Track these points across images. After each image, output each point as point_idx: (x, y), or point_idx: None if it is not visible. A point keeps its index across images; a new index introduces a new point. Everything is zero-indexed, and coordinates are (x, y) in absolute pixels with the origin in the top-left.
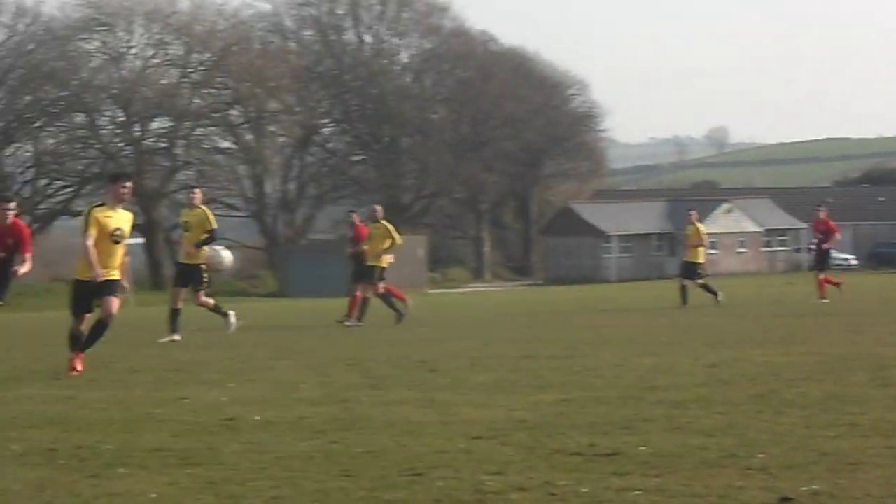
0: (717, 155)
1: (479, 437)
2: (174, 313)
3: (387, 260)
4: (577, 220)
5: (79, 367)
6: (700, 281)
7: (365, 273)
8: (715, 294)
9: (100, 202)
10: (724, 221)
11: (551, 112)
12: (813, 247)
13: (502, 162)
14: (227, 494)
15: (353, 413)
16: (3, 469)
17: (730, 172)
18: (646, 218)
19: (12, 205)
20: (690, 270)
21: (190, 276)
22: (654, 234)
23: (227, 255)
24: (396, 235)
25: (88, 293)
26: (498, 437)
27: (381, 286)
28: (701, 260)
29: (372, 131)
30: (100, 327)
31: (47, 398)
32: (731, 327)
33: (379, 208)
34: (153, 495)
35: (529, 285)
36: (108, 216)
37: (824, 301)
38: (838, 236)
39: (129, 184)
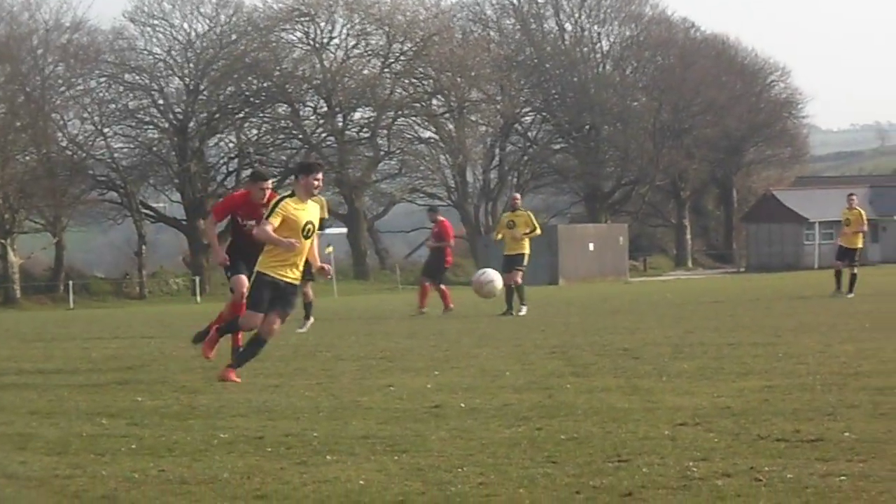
0: None
1: (684, 423)
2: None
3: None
4: (778, 206)
5: (233, 377)
6: (855, 270)
7: (514, 260)
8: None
9: (291, 192)
10: None
11: (752, 99)
12: None
13: (703, 149)
14: (435, 481)
15: (558, 400)
16: (212, 457)
17: None
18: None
19: (268, 183)
20: (851, 256)
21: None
22: None
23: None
24: (538, 225)
25: (273, 291)
26: (702, 424)
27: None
28: (860, 245)
29: (572, 120)
30: (256, 345)
31: (254, 387)
32: None
33: (518, 196)
34: (361, 482)
35: (731, 273)
36: (298, 209)
37: None
38: None
39: (321, 175)
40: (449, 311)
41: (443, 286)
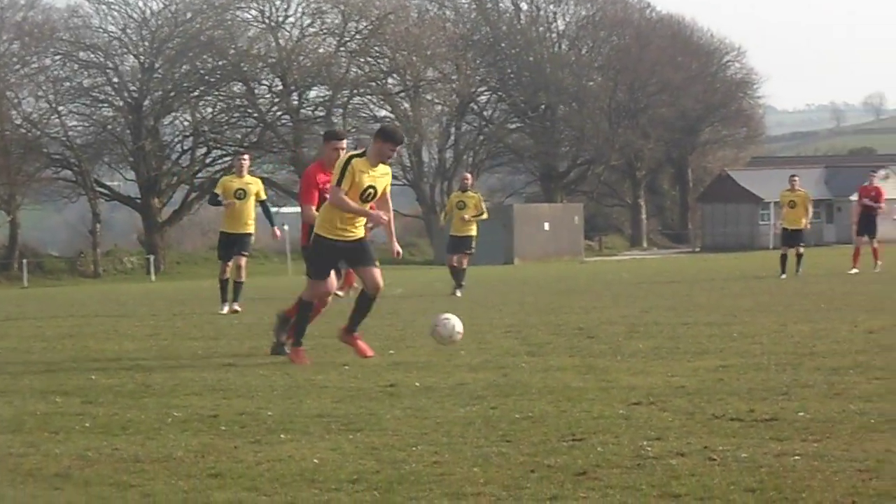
0: (874, 121)
1: (638, 402)
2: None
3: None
4: (734, 186)
5: (368, 352)
6: (801, 250)
7: (464, 243)
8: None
9: (361, 151)
10: (881, 188)
11: (708, 79)
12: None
13: (659, 129)
14: (389, 459)
15: (513, 379)
16: (166, 435)
17: (887, 139)
18: (803, 185)
19: (344, 142)
20: (798, 237)
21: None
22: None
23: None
24: (485, 209)
25: (336, 255)
26: (657, 403)
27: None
28: (805, 226)
29: (528, 99)
30: (366, 301)
31: (208, 365)
32: (889, 294)
33: (468, 176)
34: (315, 460)
35: (686, 252)
36: (364, 171)
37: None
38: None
39: (397, 149)
40: (340, 297)
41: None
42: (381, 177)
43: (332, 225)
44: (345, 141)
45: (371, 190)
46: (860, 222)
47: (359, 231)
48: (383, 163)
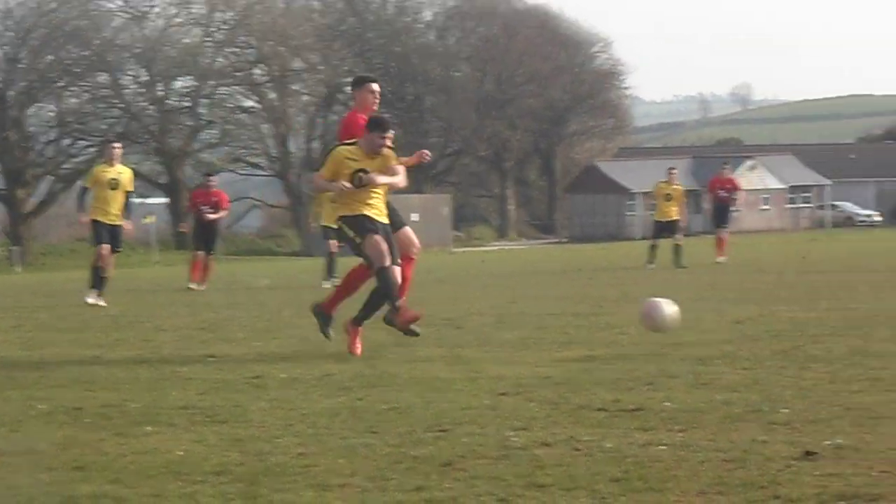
0: (741, 112)
1: (505, 393)
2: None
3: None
4: (601, 177)
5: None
6: (680, 241)
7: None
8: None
9: (352, 141)
10: (748, 178)
11: (575, 70)
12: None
13: (526, 120)
14: (254, 451)
15: (379, 370)
16: (29, 428)
17: (754, 129)
18: None
19: (376, 85)
20: (672, 228)
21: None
22: None
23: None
24: None
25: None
26: (523, 394)
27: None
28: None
29: (395, 90)
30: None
31: (73, 357)
32: (755, 284)
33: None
34: (180, 453)
35: (554, 243)
36: (352, 158)
37: (722, 259)
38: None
39: (389, 136)
40: (202, 286)
41: (211, 258)
42: (375, 160)
43: (350, 207)
44: (376, 84)
45: (360, 174)
46: (715, 213)
47: (381, 213)
48: (376, 153)
